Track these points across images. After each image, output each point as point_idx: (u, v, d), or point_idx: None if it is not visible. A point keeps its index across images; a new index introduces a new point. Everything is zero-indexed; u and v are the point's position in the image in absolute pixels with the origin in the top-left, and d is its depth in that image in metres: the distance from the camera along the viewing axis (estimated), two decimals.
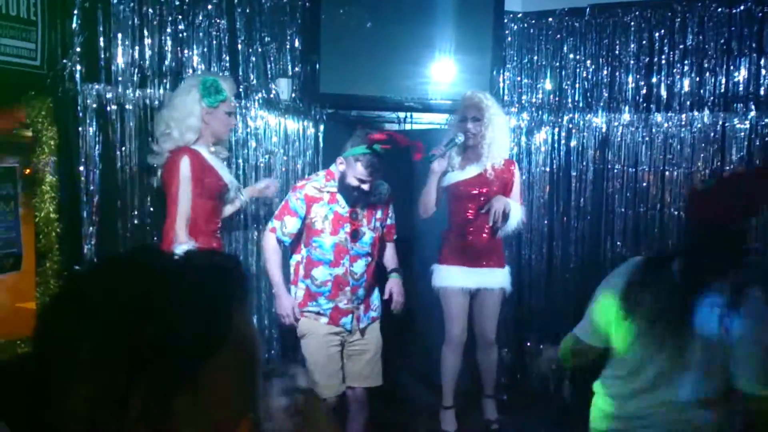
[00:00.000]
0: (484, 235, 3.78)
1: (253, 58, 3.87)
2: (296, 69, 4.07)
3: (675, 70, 4.13)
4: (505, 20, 4.37)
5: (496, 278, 3.85)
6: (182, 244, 2.97)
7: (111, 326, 0.70)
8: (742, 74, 3.96)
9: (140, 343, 0.69)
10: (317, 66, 3.97)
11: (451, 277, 3.79)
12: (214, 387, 0.73)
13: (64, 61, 2.99)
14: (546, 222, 4.53)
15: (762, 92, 3.93)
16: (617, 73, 4.28)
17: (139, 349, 0.69)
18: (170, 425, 0.70)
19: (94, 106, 3.12)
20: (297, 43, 4.08)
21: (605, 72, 4.32)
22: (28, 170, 2.91)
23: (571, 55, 4.39)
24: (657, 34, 4.15)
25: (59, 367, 0.71)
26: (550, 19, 4.42)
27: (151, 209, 3.34)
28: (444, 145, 3.60)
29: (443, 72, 4.19)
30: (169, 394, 0.70)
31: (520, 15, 4.48)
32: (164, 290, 0.73)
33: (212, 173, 3.19)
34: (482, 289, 3.82)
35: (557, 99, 4.47)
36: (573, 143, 4.44)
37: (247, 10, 3.83)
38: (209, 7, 3.62)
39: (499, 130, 3.70)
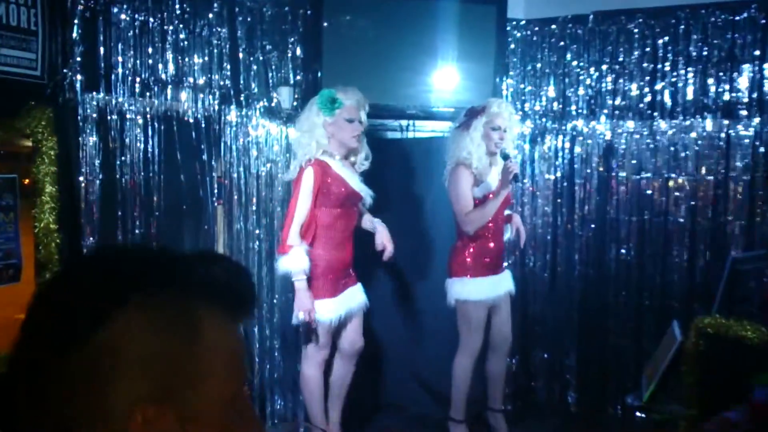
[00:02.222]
0: (500, 241, 3.82)
1: (255, 67, 3.86)
2: (298, 77, 4.06)
3: (679, 77, 4.10)
4: (508, 28, 4.34)
5: (510, 280, 3.89)
6: (293, 246, 3.32)
7: (69, 342, 0.68)
8: (745, 81, 3.93)
9: (102, 357, 0.67)
10: (319, 74, 3.96)
11: (478, 289, 3.70)
12: (186, 400, 0.71)
13: (65, 71, 2.99)
14: (550, 230, 4.50)
15: (766, 99, 3.90)
16: (621, 81, 4.25)
17: (102, 363, 0.67)
18: None
19: (95, 115, 3.11)
20: (299, 52, 4.06)
21: (609, 79, 4.28)
22: (27, 180, 2.90)
23: (575, 63, 4.36)
24: (660, 41, 4.12)
25: (27, 384, 0.70)
26: (554, 27, 4.39)
27: (152, 219, 3.33)
28: (511, 160, 3.61)
29: (446, 80, 4.17)
30: (137, 407, 0.68)
31: (523, 22, 4.45)
32: (123, 299, 0.70)
33: (338, 182, 3.41)
34: (505, 293, 3.82)
35: (561, 106, 4.44)
36: (577, 150, 4.42)
37: (248, 19, 3.82)
38: (210, 15, 3.61)
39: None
